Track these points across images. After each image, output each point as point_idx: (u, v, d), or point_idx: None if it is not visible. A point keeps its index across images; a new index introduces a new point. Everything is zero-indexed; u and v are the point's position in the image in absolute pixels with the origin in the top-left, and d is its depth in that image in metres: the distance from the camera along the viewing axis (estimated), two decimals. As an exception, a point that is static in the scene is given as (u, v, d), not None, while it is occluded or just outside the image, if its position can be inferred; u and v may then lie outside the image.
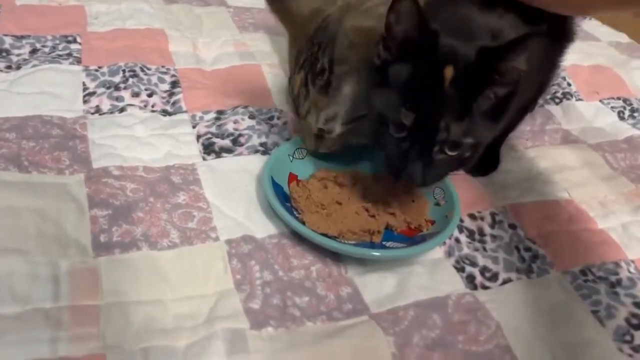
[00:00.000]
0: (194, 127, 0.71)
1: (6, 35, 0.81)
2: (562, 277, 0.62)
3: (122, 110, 0.72)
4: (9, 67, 0.75)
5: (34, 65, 0.75)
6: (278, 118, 0.76)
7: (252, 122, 0.74)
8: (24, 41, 0.80)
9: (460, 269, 0.61)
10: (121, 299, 0.50)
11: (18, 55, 0.78)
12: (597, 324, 0.57)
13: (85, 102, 0.72)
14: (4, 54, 0.77)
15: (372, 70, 0.60)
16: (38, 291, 0.49)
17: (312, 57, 0.62)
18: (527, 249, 0.64)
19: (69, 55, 0.79)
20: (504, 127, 0.71)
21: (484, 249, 0.64)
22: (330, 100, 0.61)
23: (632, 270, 0.64)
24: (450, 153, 0.56)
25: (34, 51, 0.79)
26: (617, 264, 0.64)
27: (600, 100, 0.98)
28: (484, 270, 0.61)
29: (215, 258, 0.56)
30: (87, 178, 0.61)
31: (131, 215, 0.58)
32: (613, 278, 0.63)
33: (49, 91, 0.72)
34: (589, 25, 1.29)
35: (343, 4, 0.65)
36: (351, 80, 0.61)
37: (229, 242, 0.57)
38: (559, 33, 0.75)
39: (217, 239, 0.57)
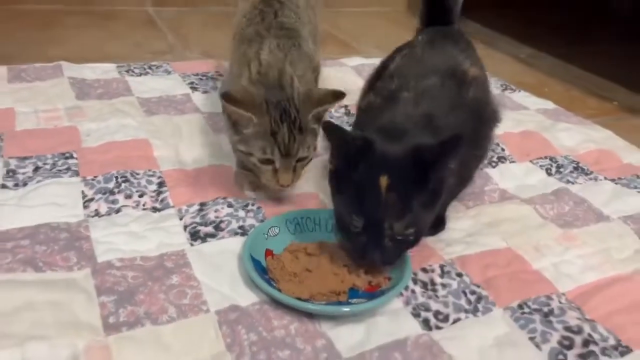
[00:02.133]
0: (180, 219, 0.83)
1: (11, 157, 0.93)
2: (504, 312, 0.73)
3: (118, 211, 0.83)
4: (16, 185, 0.87)
5: (38, 181, 0.88)
6: (252, 204, 0.88)
7: (231, 210, 0.86)
8: (27, 161, 0.93)
9: (417, 315, 0.71)
10: (131, 368, 0.60)
11: (23, 173, 0.90)
12: (534, 349, 0.68)
13: (85, 207, 0.83)
14: (10, 174, 0.89)
15: (330, 174, 0.75)
16: (61, 368, 0.58)
17: (285, 113, 0.81)
18: (472, 293, 0.76)
19: (68, 169, 0.92)
20: (444, 200, 0.84)
21: (436, 296, 0.75)
22: (306, 136, 0.82)
23: (562, 301, 0.76)
24: (398, 239, 0.70)
25: (36, 169, 0.91)
26: (548, 297, 0.76)
27: (531, 161, 1.13)
28: (437, 313, 0.72)
29: (207, 327, 0.66)
30: (94, 271, 0.71)
31: (134, 298, 0.68)
32: (546, 309, 0.74)
33: (53, 201, 0.83)
34: (518, 96, 1.48)
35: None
36: (312, 123, 0.83)
37: (218, 312, 0.68)
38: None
39: (207, 310, 0.68)
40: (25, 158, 0.94)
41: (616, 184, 1.08)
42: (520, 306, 0.74)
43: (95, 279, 0.70)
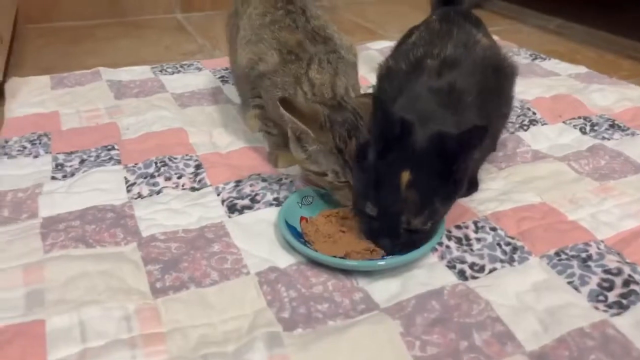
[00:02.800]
0: (218, 194, 0.87)
1: (59, 153, 0.99)
2: (540, 260, 0.73)
3: (159, 192, 0.87)
4: (64, 176, 0.92)
5: (84, 171, 0.93)
6: (285, 178, 0.91)
7: (265, 184, 0.89)
8: (73, 155, 0.98)
9: (452, 267, 0.72)
10: (179, 325, 0.63)
11: (70, 166, 0.95)
12: (573, 291, 0.68)
13: (128, 191, 0.88)
14: (59, 167, 0.95)
15: (359, 147, 0.74)
16: (114, 328, 0.62)
17: (353, 127, 0.76)
18: (508, 244, 0.76)
19: (110, 159, 0.97)
20: (475, 163, 0.84)
21: (471, 250, 0.76)
22: None
23: (601, 247, 0.75)
24: (414, 231, 0.70)
25: (82, 161, 0.96)
26: (586, 244, 0.76)
27: (564, 122, 1.12)
28: (472, 265, 0.73)
29: (249, 287, 0.69)
30: (139, 245, 0.75)
31: (178, 266, 0.71)
32: (584, 255, 0.74)
33: (99, 187, 0.88)
34: (548, 64, 1.46)
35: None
36: None
37: (258, 274, 0.71)
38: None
39: (248, 273, 0.71)
40: (71, 153, 0.99)
41: (654, 137, 1.05)
42: (557, 254, 0.74)
43: (141, 251, 0.74)
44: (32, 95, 1.24)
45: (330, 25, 0.96)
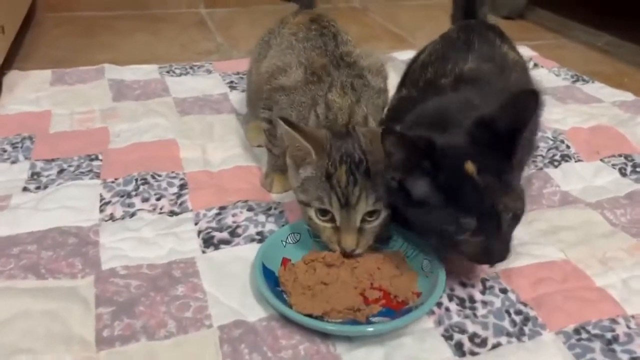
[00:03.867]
0: (196, 223, 0.78)
1: (38, 160, 0.92)
2: (556, 337, 0.62)
3: (132, 215, 0.79)
4: (38, 188, 0.85)
5: (59, 184, 0.85)
6: (275, 208, 0.81)
7: (250, 214, 0.79)
8: (53, 164, 0.91)
9: (449, 337, 0.61)
10: (118, 389, 0.54)
11: (47, 176, 0.88)
12: (591, 384, 0.56)
13: (101, 211, 0.80)
14: (35, 177, 0.88)
15: (394, 191, 0.65)
16: (43, 386, 0.53)
17: (347, 154, 0.67)
18: (519, 312, 0.65)
19: (90, 171, 0.89)
20: None
21: (474, 315, 0.65)
22: (375, 183, 0.66)
23: (631, 325, 0.63)
24: (511, 219, 0.62)
25: (61, 171, 0.89)
26: (614, 321, 0.64)
27: (601, 159, 0.99)
28: (473, 336, 0.62)
29: (207, 344, 0.59)
30: (97, 279, 0.67)
31: (133, 310, 0.63)
32: (609, 335, 0.62)
33: (69, 205, 0.80)
34: (591, 87, 1.32)
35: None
36: (380, 169, 0.66)
37: (221, 327, 0.61)
38: None
39: (210, 325, 0.61)
40: (52, 160, 0.92)
41: None
42: (576, 331, 0.62)
43: (96, 288, 0.66)
44: (29, 90, 1.17)
45: (358, 50, 0.86)
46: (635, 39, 1.74)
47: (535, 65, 1.44)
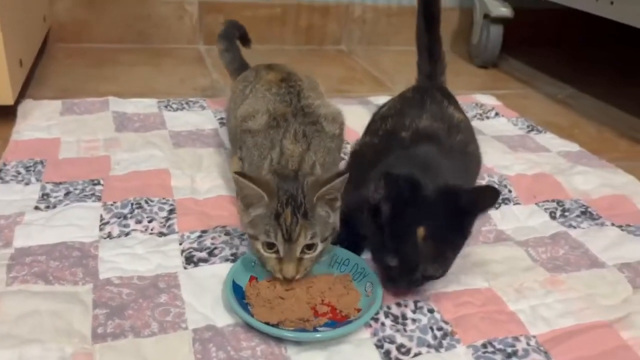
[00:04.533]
0: (180, 244, 0.92)
1: (48, 182, 1.06)
2: (467, 349, 0.76)
3: (127, 234, 0.93)
4: (47, 207, 0.99)
5: (66, 204, 1.00)
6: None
7: (227, 238, 0.94)
8: (61, 186, 1.05)
9: (380, 346, 0.75)
10: (108, 374, 0.68)
11: (55, 197, 1.02)
12: (487, 386, 0.70)
13: (101, 229, 0.94)
14: (45, 197, 1.02)
15: (369, 208, 0.81)
16: (49, 369, 0.67)
17: (291, 197, 0.80)
18: (440, 329, 0.79)
19: (93, 194, 1.03)
20: None
21: (404, 329, 0.79)
22: (312, 222, 0.80)
23: (531, 343, 0.77)
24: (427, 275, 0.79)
25: (67, 194, 1.03)
26: (516, 338, 0.78)
27: (537, 203, 1.14)
28: (400, 346, 0.76)
29: (183, 343, 0.73)
30: (95, 287, 0.81)
31: (123, 313, 0.77)
32: (509, 349, 0.76)
33: (74, 223, 0.94)
34: (543, 138, 1.48)
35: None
36: (320, 208, 0.81)
37: (195, 330, 0.75)
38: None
39: (186, 328, 0.75)
40: (60, 183, 1.06)
41: (623, 230, 1.06)
42: (484, 345, 0.76)
43: (94, 294, 0.80)
44: (41, 119, 1.32)
45: (318, 102, 1.02)
46: (592, 92, 1.92)
47: (497, 114, 1.61)
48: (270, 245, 0.80)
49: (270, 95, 1.02)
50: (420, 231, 0.76)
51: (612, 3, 1.56)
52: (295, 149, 0.89)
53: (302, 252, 0.80)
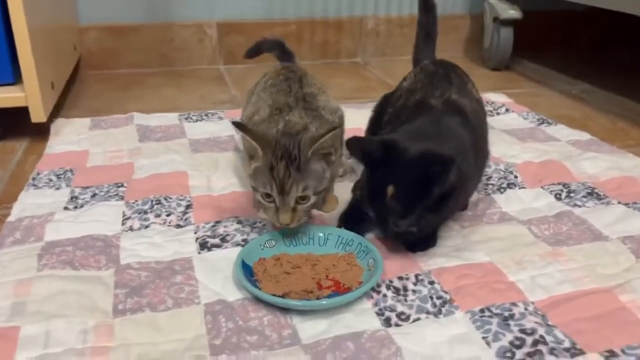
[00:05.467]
0: (195, 233, 0.98)
1: (77, 187, 1.15)
2: (464, 315, 0.79)
3: (147, 227, 1.00)
4: (75, 207, 1.07)
5: (92, 204, 1.08)
6: (260, 222, 1.01)
7: (239, 226, 1.00)
8: (88, 190, 1.14)
9: (381, 314, 0.79)
10: (126, 342, 0.73)
11: (83, 199, 1.10)
12: (484, 346, 0.73)
13: (123, 224, 1.01)
14: (73, 199, 1.10)
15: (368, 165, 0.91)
16: (73, 338, 0.73)
17: (286, 151, 0.87)
18: (439, 297, 0.82)
19: (116, 195, 1.11)
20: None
21: (405, 300, 0.82)
22: (304, 175, 0.87)
23: (529, 308, 0.80)
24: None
25: (94, 195, 1.12)
26: (513, 304, 0.80)
27: (542, 187, 1.16)
28: (400, 314, 0.79)
29: (195, 315, 0.79)
30: (116, 271, 0.88)
31: (141, 292, 0.83)
32: (507, 313, 0.78)
33: (99, 219, 1.02)
34: (552, 129, 1.50)
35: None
36: (314, 162, 0.88)
37: (206, 304, 0.80)
38: (482, 154, 1.00)
39: (199, 303, 0.81)
40: (87, 187, 1.15)
41: (629, 207, 1.08)
42: (482, 310, 0.79)
43: (116, 276, 0.86)
44: (72, 134, 1.42)
45: (321, 93, 1.08)
46: (607, 86, 1.92)
47: (507, 110, 1.64)
48: (268, 196, 0.88)
49: (270, 88, 1.08)
50: (390, 189, 0.84)
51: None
52: (300, 121, 0.95)
53: (296, 202, 0.87)
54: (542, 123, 1.55)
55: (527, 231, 1.00)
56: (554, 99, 1.84)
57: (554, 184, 1.17)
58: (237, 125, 0.91)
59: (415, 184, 0.83)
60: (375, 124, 1.16)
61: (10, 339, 0.73)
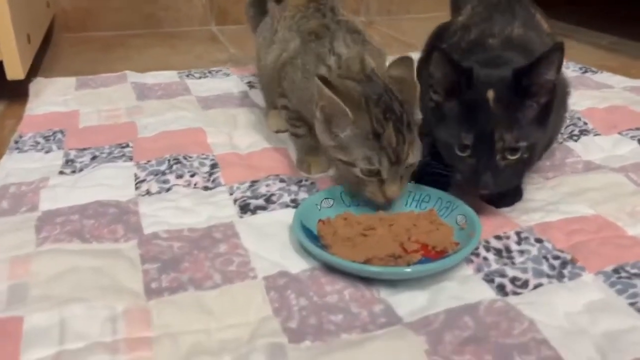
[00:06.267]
0: (231, 194, 0.79)
1: (71, 149, 0.94)
2: (596, 277, 0.62)
3: (168, 190, 0.81)
4: (73, 172, 0.87)
5: (94, 167, 0.87)
6: (306, 180, 0.83)
7: (283, 185, 0.81)
8: (85, 152, 0.93)
9: (490, 281, 0.62)
10: (171, 331, 0.55)
11: (81, 162, 0.90)
12: (636, 314, 0.57)
13: (137, 188, 0.82)
14: (69, 163, 0.90)
15: (431, 110, 0.72)
16: (98, 329, 0.54)
17: (389, 108, 0.69)
18: (556, 258, 0.66)
19: (123, 155, 0.91)
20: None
21: (512, 263, 0.65)
22: (414, 133, 0.71)
23: (672, 264, 0.64)
24: (511, 157, 0.68)
25: (94, 158, 0.91)
26: (651, 261, 0.64)
27: (619, 133, 1.01)
28: (513, 279, 0.63)
29: (254, 292, 0.60)
30: (140, 242, 0.68)
31: (178, 266, 0.64)
32: (648, 272, 0.63)
33: (106, 183, 0.82)
34: (600, 77, 1.35)
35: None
36: (415, 118, 0.72)
37: (266, 278, 0.62)
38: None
39: (255, 277, 0.63)
40: (84, 149, 0.94)
41: None
42: (616, 270, 0.63)
43: (140, 249, 0.67)
44: (55, 95, 1.21)
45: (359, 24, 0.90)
46: (637, 37, 1.79)
47: (544, 60, 1.48)
48: (371, 172, 0.69)
49: (300, 21, 0.89)
50: (490, 93, 0.68)
51: None
52: (352, 52, 0.77)
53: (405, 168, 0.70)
54: (586, 72, 1.39)
55: (626, 179, 0.84)
56: (586, 51, 1.69)
57: (631, 129, 1.01)
58: (324, 80, 0.70)
59: (518, 89, 0.69)
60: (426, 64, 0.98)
61: (11, 335, 0.54)
